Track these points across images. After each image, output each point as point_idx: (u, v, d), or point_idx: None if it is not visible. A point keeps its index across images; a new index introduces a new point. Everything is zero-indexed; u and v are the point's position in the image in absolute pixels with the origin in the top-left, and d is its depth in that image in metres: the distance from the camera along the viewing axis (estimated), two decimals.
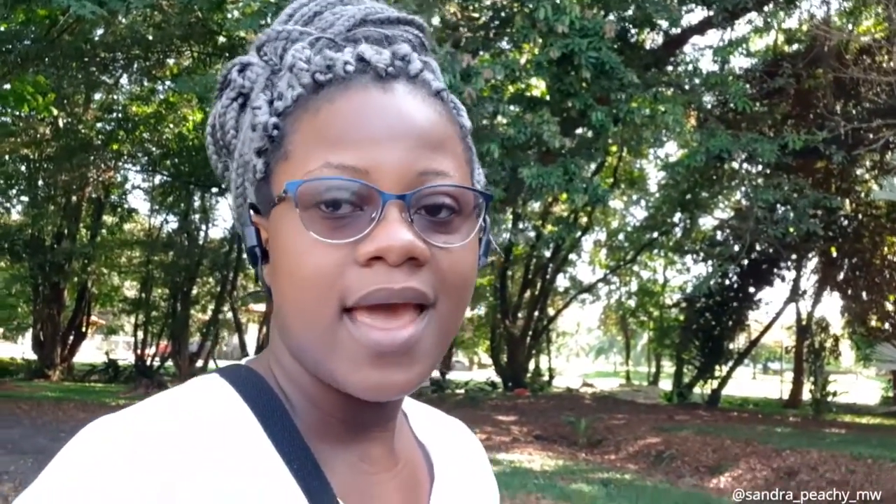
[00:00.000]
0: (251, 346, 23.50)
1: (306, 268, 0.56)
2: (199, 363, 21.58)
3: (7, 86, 17.33)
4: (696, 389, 21.17)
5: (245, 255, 0.66)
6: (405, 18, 0.67)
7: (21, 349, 26.95)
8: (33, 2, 12.65)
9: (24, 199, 21.81)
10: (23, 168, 20.91)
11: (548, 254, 22.02)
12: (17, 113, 18.90)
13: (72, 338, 22.34)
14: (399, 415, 0.69)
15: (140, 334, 23.46)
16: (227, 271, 21.64)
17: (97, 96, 20.53)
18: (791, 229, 12.37)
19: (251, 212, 0.63)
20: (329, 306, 0.56)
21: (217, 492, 0.53)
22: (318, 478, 0.59)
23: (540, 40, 9.59)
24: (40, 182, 21.13)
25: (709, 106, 13.35)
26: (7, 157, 20.29)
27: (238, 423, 0.58)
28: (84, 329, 23.27)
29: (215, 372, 0.64)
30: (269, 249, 0.62)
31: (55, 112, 18.75)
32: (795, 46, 15.83)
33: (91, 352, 32.55)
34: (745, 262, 17.17)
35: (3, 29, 15.45)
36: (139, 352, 22.42)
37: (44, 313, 21.31)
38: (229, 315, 23.91)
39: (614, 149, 18.01)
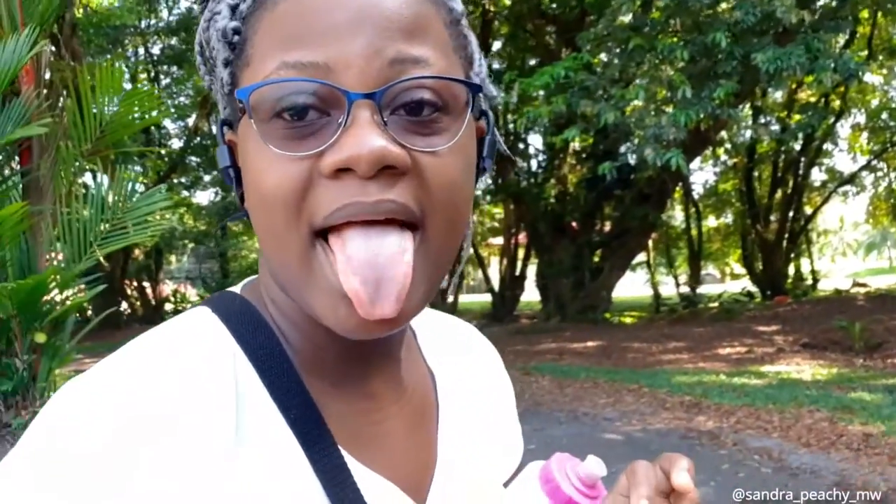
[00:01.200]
0: (495, 278, 24.14)
1: (268, 184, 0.50)
2: (450, 299, 22.64)
3: None
4: None
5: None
6: None
7: None
8: None
9: None
10: None
11: (798, 147, 20.07)
12: None
13: None
14: (407, 335, 0.64)
15: None
16: None
17: None
18: None
19: (224, 128, 0.58)
20: (299, 229, 0.50)
21: (204, 451, 0.49)
22: (316, 426, 0.54)
23: None
24: None
25: None
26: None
27: (230, 370, 0.53)
28: None
29: (207, 305, 0.58)
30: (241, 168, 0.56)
31: None
32: None
33: None
34: None
35: None
36: None
37: None
38: (471, 251, 24.82)
39: (865, 15, 15.81)
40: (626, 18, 11.69)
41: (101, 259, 3.44)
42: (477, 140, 0.58)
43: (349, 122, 0.48)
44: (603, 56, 12.53)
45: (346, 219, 0.48)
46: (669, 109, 9.35)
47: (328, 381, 0.58)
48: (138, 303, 22.26)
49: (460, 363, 0.71)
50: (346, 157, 0.47)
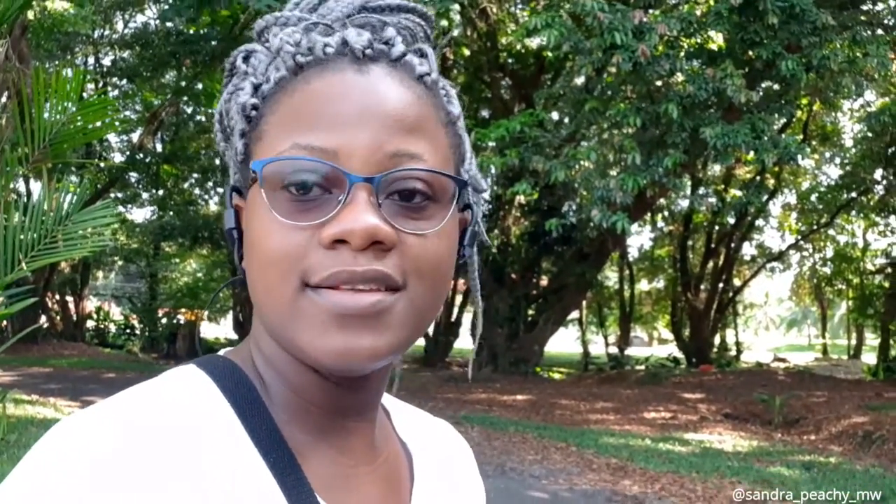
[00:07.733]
0: None
1: (270, 247, 0.57)
2: None
3: (199, 85, 18.67)
4: None
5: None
6: (406, 6, 0.66)
7: (224, 330, 29.26)
8: (216, 3, 13.48)
9: (220, 190, 23.55)
10: (217, 161, 22.56)
11: (732, 220, 20.76)
12: (209, 110, 20.37)
13: None
14: (380, 410, 0.69)
15: None
16: None
17: None
18: None
19: (234, 194, 0.64)
20: (291, 282, 0.56)
21: (191, 487, 0.52)
22: (294, 471, 0.58)
23: None
24: None
25: None
26: (202, 152, 21.99)
27: (215, 415, 0.57)
28: None
29: (192, 363, 0.63)
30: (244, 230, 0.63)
31: None
32: None
33: None
34: None
35: (192, 32, 16.64)
36: None
37: (242, 296, 22.95)
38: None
39: (804, 102, 16.62)
40: (580, 80, 12.00)
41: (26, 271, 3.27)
42: (461, 230, 0.65)
43: (348, 200, 0.55)
44: (555, 115, 12.79)
45: (336, 283, 0.54)
46: (614, 172, 9.56)
47: (309, 433, 0.62)
48: (59, 317, 21.35)
49: (435, 452, 0.75)
50: (343, 230, 0.54)
